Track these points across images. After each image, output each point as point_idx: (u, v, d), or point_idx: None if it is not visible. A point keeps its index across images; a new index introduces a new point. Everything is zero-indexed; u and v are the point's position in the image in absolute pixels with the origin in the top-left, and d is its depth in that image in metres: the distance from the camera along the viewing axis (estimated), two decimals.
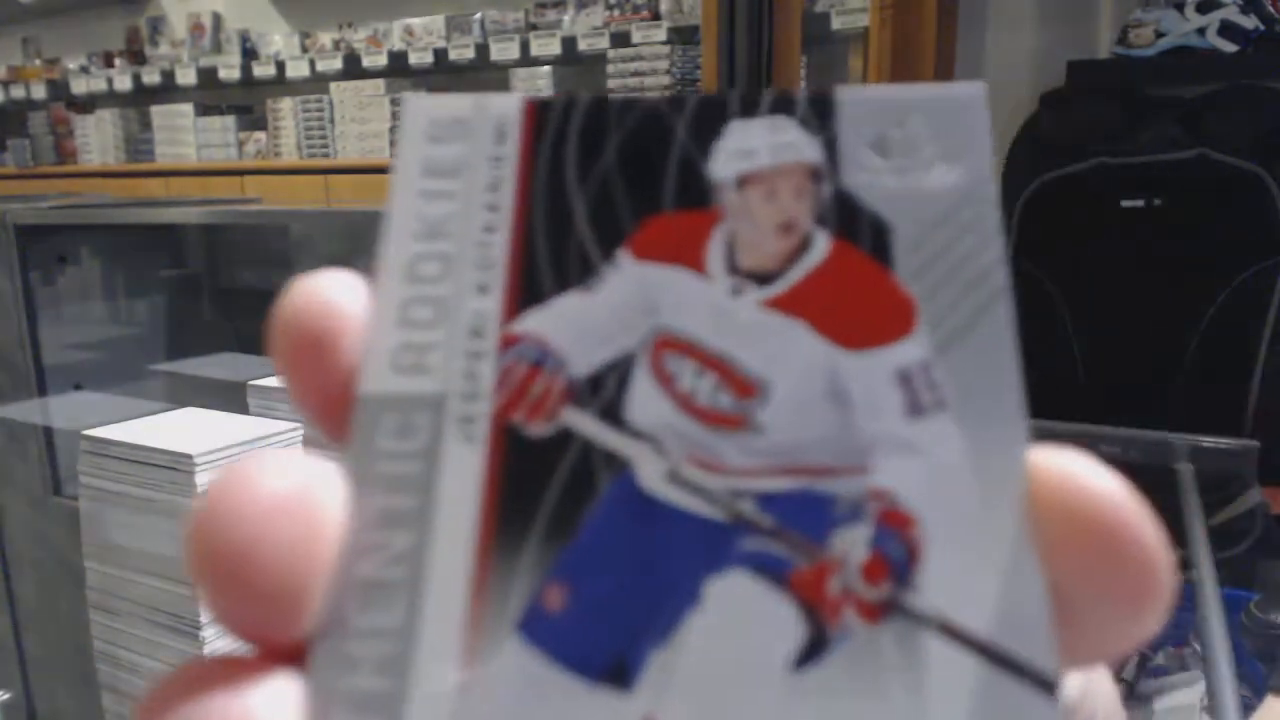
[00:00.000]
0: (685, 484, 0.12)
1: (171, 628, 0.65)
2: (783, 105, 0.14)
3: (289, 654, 0.11)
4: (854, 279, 0.13)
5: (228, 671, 0.11)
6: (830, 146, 0.13)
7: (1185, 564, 1.00)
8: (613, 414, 0.12)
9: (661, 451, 0.12)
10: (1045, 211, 1.67)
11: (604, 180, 0.13)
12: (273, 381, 0.77)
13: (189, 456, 0.62)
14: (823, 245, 0.13)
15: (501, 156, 0.14)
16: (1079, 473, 0.11)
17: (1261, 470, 1.27)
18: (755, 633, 0.11)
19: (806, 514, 0.12)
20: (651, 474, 0.12)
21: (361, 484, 0.12)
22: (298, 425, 0.69)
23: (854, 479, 0.12)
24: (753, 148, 0.13)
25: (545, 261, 0.13)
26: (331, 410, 0.12)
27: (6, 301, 1.24)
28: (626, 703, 0.11)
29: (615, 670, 0.11)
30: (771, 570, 0.12)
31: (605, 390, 0.13)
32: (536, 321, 0.13)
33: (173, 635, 0.65)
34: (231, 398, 0.77)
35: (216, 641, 0.64)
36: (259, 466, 0.11)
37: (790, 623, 0.11)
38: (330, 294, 0.13)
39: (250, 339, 1.41)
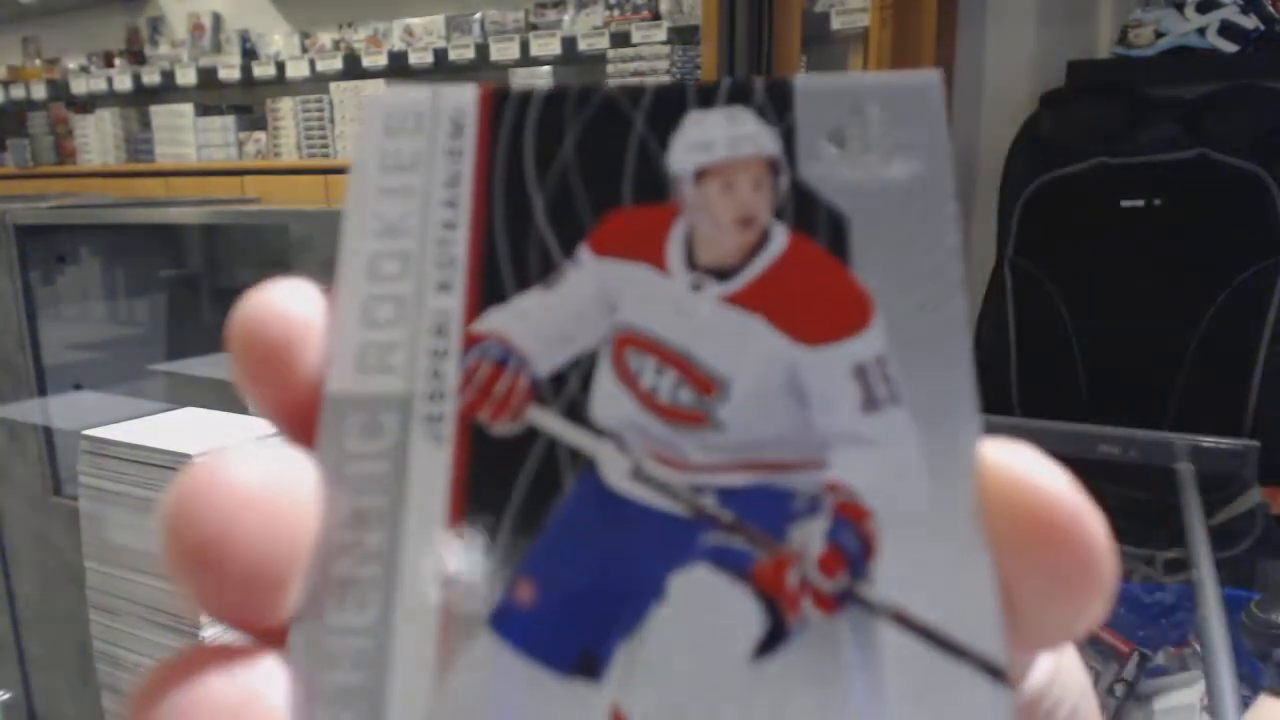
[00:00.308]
0: (648, 480, 0.12)
1: (171, 628, 0.65)
2: (740, 95, 0.13)
3: (276, 638, 0.11)
4: (811, 273, 0.13)
5: (219, 656, 0.11)
6: (788, 137, 0.13)
7: (1185, 564, 1.00)
8: (576, 412, 0.13)
9: (625, 449, 0.12)
10: (1045, 211, 1.67)
11: (563, 174, 0.13)
12: None
13: (189, 456, 0.62)
14: (780, 239, 0.13)
15: (459, 150, 0.13)
16: (1027, 468, 0.12)
17: (1262, 470, 1.27)
18: (717, 624, 0.11)
19: (766, 508, 0.12)
20: (615, 471, 0.12)
21: (331, 483, 0.12)
22: None
23: (811, 473, 0.12)
24: (710, 139, 0.13)
25: (506, 259, 0.13)
26: (297, 418, 0.12)
27: (6, 301, 1.24)
28: (596, 693, 0.11)
29: (584, 662, 0.11)
30: (732, 564, 0.12)
31: (569, 388, 0.13)
32: (499, 320, 0.13)
33: (173, 635, 0.65)
34: (231, 398, 0.77)
35: (216, 641, 0.64)
36: (231, 458, 0.11)
37: (751, 614, 0.11)
38: (285, 303, 0.13)
39: None
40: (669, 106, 0.13)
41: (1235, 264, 1.55)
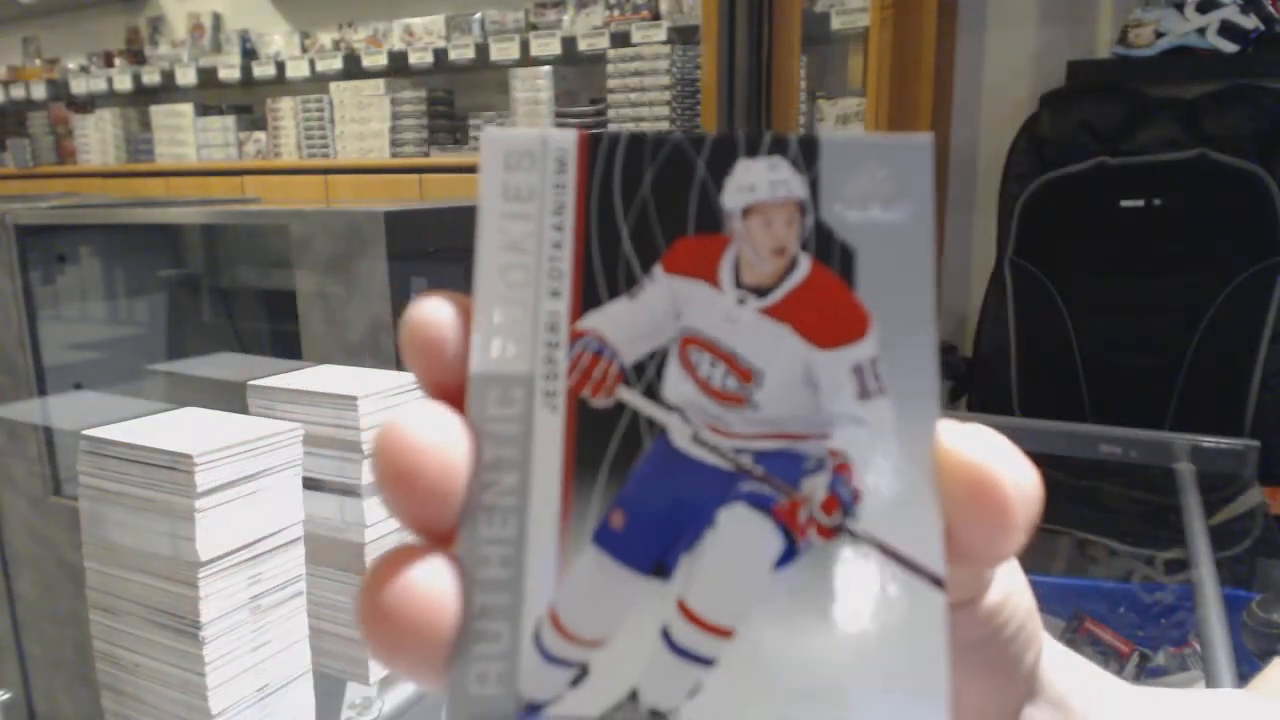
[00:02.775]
0: (703, 444, 0.17)
1: (171, 628, 0.65)
2: (778, 146, 0.17)
3: (445, 541, 0.16)
4: (826, 294, 0.17)
5: (414, 552, 0.16)
6: (814, 184, 0.17)
7: (1186, 563, 1.00)
8: (652, 392, 0.17)
9: (687, 420, 0.17)
10: (1045, 211, 1.67)
11: (642, 207, 0.17)
12: (272, 381, 0.77)
13: (189, 456, 0.62)
14: (805, 266, 0.17)
15: (563, 184, 0.17)
16: (967, 443, 0.16)
17: (1261, 470, 1.27)
18: (750, 545, 0.16)
19: (786, 465, 0.17)
20: (680, 436, 0.17)
21: (478, 437, 0.16)
22: (297, 425, 0.69)
23: (819, 442, 0.17)
24: (754, 183, 0.17)
25: (600, 273, 0.17)
26: (449, 391, 0.17)
27: (6, 301, 1.23)
28: (666, 588, 0.16)
29: (658, 568, 0.16)
30: (761, 503, 0.17)
31: (647, 374, 0.17)
32: (595, 321, 0.17)
33: (173, 635, 0.65)
34: (231, 397, 0.76)
35: (217, 641, 0.64)
36: (415, 416, 0.16)
37: (773, 538, 0.16)
38: (436, 307, 0.17)
39: (249, 338, 1.41)
40: (723, 153, 0.17)
41: (1235, 264, 1.55)
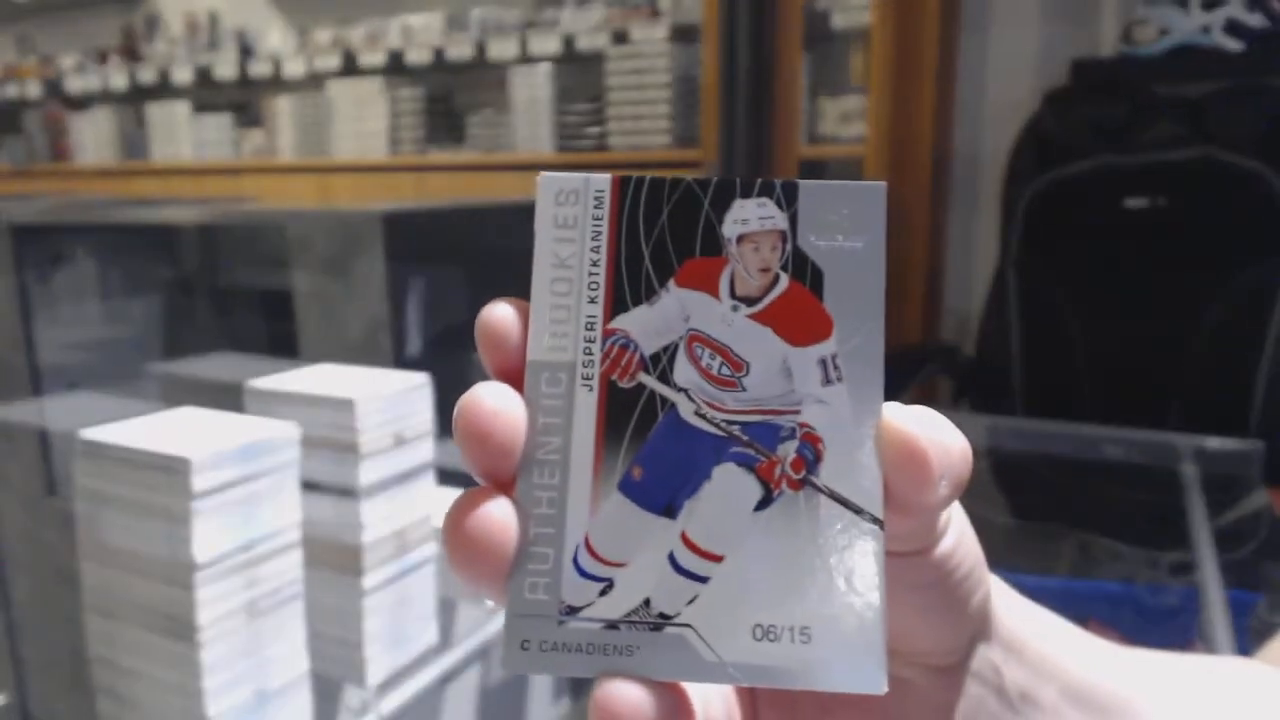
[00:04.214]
0: (703, 417, 0.22)
1: (168, 631, 0.64)
2: (766, 189, 0.22)
3: (507, 488, 0.22)
4: (800, 304, 0.22)
5: (483, 493, 0.21)
6: (793, 219, 0.22)
7: (1190, 566, 0.99)
8: (665, 376, 0.22)
9: (691, 399, 0.22)
10: (1049, 211, 1.66)
11: (661, 235, 0.22)
12: (270, 383, 0.76)
13: (185, 460, 0.61)
14: (784, 282, 0.22)
15: (600, 216, 0.23)
16: (904, 419, 0.21)
17: (1266, 471, 1.26)
18: (737, 493, 0.22)
19: (766, 434, 0.22)
20: (686, 410, 0.22)
21: (532, 409, 0.22)
22: (295, 427, 0.68)
23: (792, 417, 0.22)
24: (747, 218, 0.22)
25: (627, 286, 0.22)
26: (511, 375, 0.22)
27: (1, 301, 1.23)
28: (673, 525, 0.22)
29: (667, 509, 0.22)
30: (747, 462, 0.22)
31: (661, 363, 0.22)
32: (623, 321, 0.22)
33: (169, 639, 0.64)
34: (228, 398, 0.76)
35: (214, 645, 0.64)
36: (488, 392, 0.21)
37: (754, 489, 0.21)
38: (504, 312, 0.22)
39: (247, 339, 1.40)
40: (723, 193, 0.22)
41: (1240, 263, 1.54)
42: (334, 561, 0.75)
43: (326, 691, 0.76)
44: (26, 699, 1.22)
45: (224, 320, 1.45)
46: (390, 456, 0.76)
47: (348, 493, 0.74)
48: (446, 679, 0.84)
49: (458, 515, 0.21)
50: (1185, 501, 1.15)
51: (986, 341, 1.78)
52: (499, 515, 0.21)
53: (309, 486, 0.73)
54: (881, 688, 0.21)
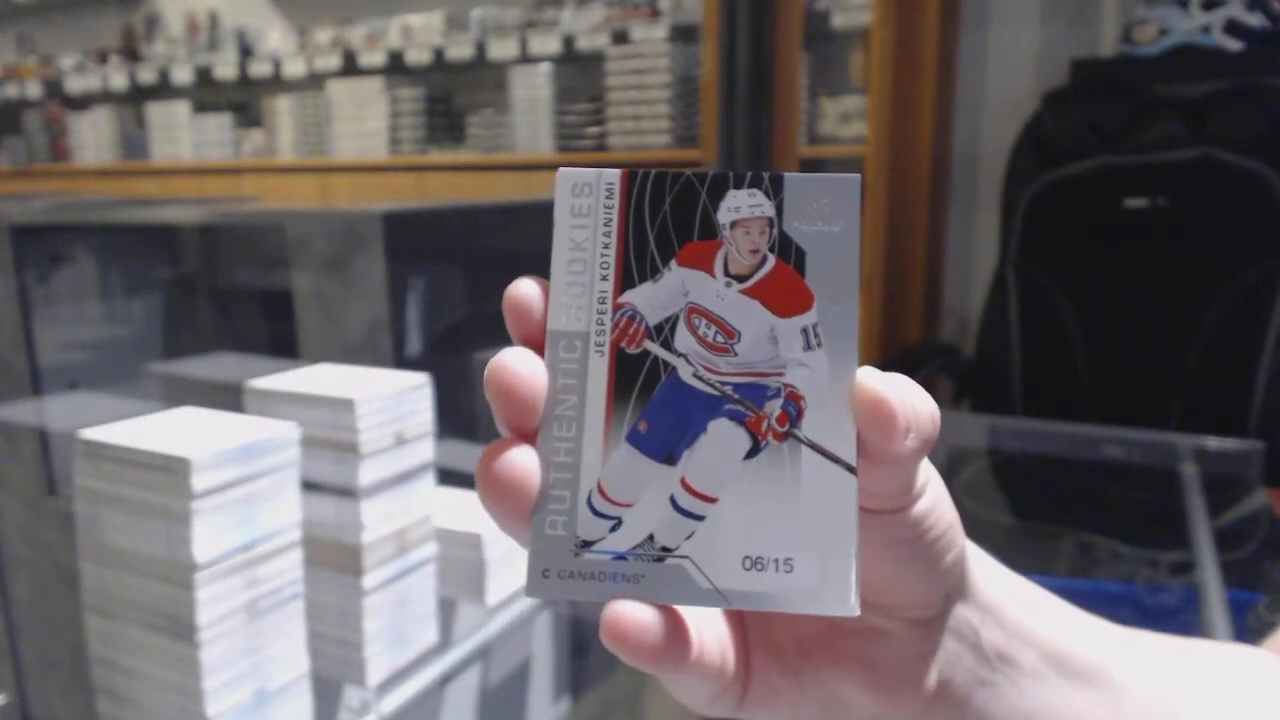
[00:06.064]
0: (701, 379, 0.25)
1: (168, 631, 0.64)
2: (756, 181, 0.25)
3: (530, 439, 0.24)
4: (786, 281, 0.25)
5: (509, 443, 0.24)
6: (779, 207, 0.25)
7: (1190, 566, 0.99)
8: (667, 344, 0.25)
9: (690, 363, 0.25)
10: (1048, 211, 1.66)
11: (663, 221, 0.26)
12: (270, 383, 0.76)
13: (185, 460, 0.61)
14: (771, 262, 0.25)
15: (610, 206, 0.26)
16: (875, 381, 0.24)
17: (1266, 471, 1.26)
18: (729, 444, 0.24)
19: (755, 393, 0.24)
20: (685, 373, 0.25)
21: (551, 372, 0.25)
22: (295, 427, 0.68)
23: (777, 378, 0.24)
24: (739, 205, 0.25)
25: (634, 265, 0.25)
26: (535, 342, 0.25)
27: (1, 301, 1.23)
28: (673, 470, 0.24)
29: (668, 458, 0.24)
30: (737, 418, 0.24)
31: (664, 332, 0.25)
32: (630, 296, 0.25)
33: (169, 639, 0.64)
34: (228, 398, 0.76)
35: (214, 645, 0.64)
36: (516, 356, 0.24)
37: (744, 440, 0.24)
38: (528, 287, 0.25)
39: (247, 339, 1.40)
40: (718, 185, 0.25)
41: (1239, 263, 1.54)
42: (334, 561, 0.75)
43: (326, 691, 0.76)
44: (26, 699, 1.22)
45: (224, 320, 1.45)
46: (390, 456, 0.76)
47: (348, 493, 0.74)
48: (446, 679, 0.84)
49: (488, 460, 0.24)
50: (1185, 501, 1.15)
51: (986, 341, 1.77)
52: (523, 461, 0.24)
53: (309, 486, 0.73)
54: (854, 610, 0.23)
